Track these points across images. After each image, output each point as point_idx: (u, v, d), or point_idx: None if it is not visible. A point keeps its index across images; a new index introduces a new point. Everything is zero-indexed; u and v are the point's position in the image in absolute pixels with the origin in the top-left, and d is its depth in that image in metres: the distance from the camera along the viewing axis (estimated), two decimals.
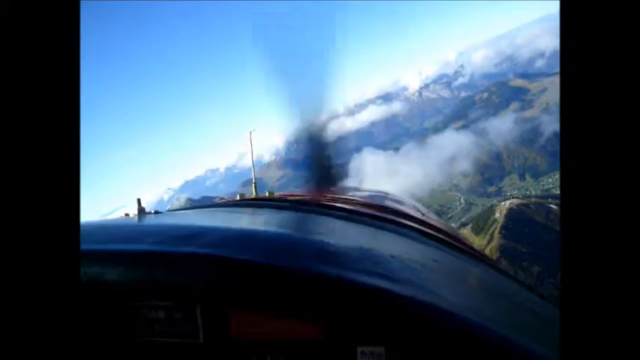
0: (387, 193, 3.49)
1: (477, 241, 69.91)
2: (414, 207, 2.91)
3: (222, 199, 1.71)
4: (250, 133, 1.63)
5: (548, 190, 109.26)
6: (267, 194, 1.82)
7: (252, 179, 1.61)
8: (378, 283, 0.76)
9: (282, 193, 2.18)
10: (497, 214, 71.61)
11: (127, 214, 1.53)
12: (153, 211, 1.52)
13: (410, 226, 1.64)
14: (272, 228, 1.19)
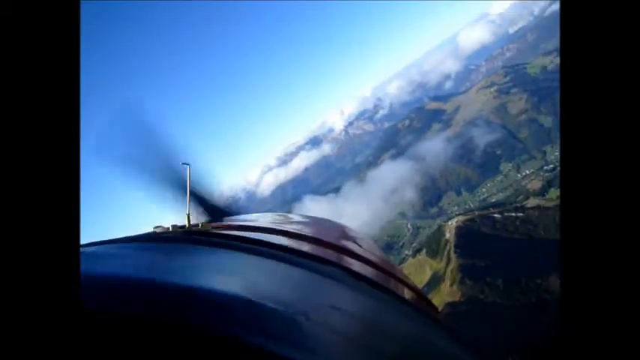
0: (327, 220, 2.86)
1: (436, 265, 68.70)
2: (353, 238, 2.31)
3: (158, 226, 1.59)
4: (188, 167, 1.66)
5: (484, 199, 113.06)
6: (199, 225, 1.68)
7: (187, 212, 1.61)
8: (246, 340, 0.64)
9: (224, 224, 1.91)
10: (447, 234, 71.39)
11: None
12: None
13: (325, 260, 1.35)
14: (150, 269, 1.00)
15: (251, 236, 1.40)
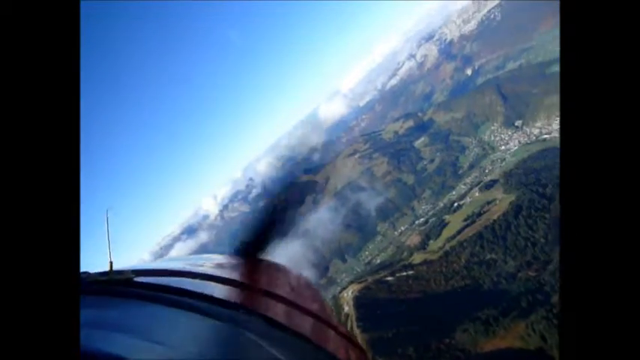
0: (267, 263, 2.43)
1: None
2: (287, 282, 2.13)
3: (84, 272, 1.45)
4: (107, 211, 1.56)
5: (369, 262, 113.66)
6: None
7: (109, 260, 1.41)
8: None
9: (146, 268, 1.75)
10: (345, 307, 67.22)
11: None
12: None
13: (246, 307, 1.28)
14: None
15: (170, 284, 1.32)
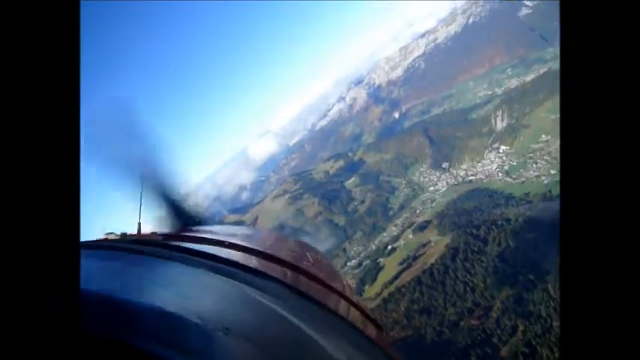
0: (284, 237, 2.80)
1: None
2: (305, 255, 2.27)
3: (110, 233, 1.66)
4: (142, 178, 1.83)
5: None
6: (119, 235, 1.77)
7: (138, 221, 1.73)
8: (155, 351, 0.65)
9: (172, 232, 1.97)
10: None
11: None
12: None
13: (268, 275, 1.34)
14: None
15: (197, 248, 1.41)
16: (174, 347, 0.66)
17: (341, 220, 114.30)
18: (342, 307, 1.58)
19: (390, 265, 71.32)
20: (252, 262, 1.49)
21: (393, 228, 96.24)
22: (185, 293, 0.98)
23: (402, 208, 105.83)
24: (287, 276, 1.53)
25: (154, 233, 1.70)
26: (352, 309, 1.64)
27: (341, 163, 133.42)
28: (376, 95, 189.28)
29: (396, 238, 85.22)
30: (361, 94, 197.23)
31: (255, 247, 1.70)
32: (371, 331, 1.56)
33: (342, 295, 1.71)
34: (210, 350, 0.71)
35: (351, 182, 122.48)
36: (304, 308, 1.19)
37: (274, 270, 1.49)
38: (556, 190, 70.94)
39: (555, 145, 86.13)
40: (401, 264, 68.79)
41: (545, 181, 79.98)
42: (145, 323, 0.72)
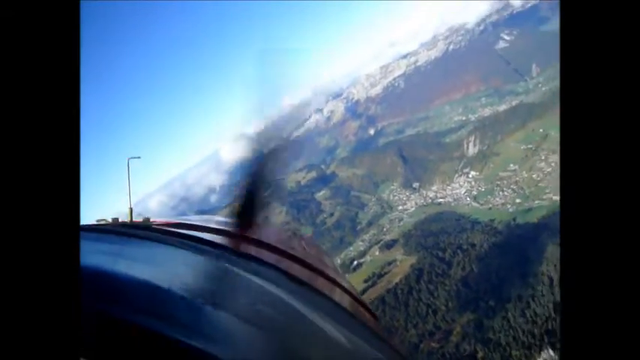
0: (281, 229, 2.81)
1: None
2: (300, 245, 2.35)
3: (101, 220, 1.70)
4: (128, 160, 1.76)
5: None
6: (142, 220, 1.81)
7: (129, 207, 1.69)
8: (151, 325, 0.65)
9: (163, 220, 1.97)
10: None
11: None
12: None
13: (262, 261, 1.37)
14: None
15: (189, 233, 1.47)
16: (161, 319, 0.66)
17: (308, 231, 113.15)
18: (337, 294, 1.60)
19: (355, 282, 70.70)
20: (252, 250, 1.50)
21: (360, 243, 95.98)
22: (174, 271, 1.00)
23: (370, 224, 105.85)
24: (282, 262, 1.56)
25: (146, 219, 1.72)
26: (346, 295, 1.66)
27: (313, 174, 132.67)
28: (354, 110, 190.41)
29: (362, 254, 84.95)
30: (339, 108, 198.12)
31: (253, 237, 1.70)
32: (366, 317, 1.57)
33: (337, 284, 1.72)
34: (198, 323, 0.71)
35: (321, 195, 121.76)
36: (301, 293, 1.20)
37: (270, 257, 1.52)
38: (521, 219, 72.59)
39: (522, 175, 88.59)
40: (366, 281, 68.40)
41: (511, 209, 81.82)
42: (131, 295, 0.72)
